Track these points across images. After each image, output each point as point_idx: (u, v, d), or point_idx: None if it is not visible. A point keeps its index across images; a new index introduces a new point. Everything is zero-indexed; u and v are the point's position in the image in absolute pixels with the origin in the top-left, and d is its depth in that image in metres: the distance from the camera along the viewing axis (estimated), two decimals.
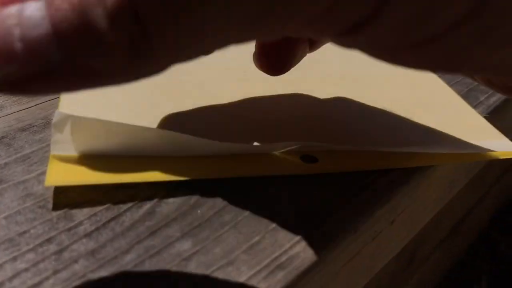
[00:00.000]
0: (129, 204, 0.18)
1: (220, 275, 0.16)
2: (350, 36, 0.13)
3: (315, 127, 0.24)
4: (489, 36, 0.13)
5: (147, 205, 0.18)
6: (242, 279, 0.16)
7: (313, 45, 0.23)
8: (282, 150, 0.21)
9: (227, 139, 0.21)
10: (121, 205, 0.18)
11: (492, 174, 0.82)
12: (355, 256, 0.20)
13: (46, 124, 0.22)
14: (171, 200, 0.19)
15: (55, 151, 0.19)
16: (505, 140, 0.24)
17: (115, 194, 0.19)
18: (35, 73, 0.11)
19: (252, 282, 0.16)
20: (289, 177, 0.20)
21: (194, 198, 0.19)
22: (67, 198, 0.18)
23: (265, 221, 0.18)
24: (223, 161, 0.20)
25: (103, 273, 0.16)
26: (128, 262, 0.16)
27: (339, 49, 0.15)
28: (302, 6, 0.12)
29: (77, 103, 0.22)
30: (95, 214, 0.18)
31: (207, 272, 0.16)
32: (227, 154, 0.21)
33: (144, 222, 0.18)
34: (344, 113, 0.25)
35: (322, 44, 0.23)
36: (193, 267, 0.16)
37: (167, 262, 0.16)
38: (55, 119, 0.18)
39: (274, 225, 0.18)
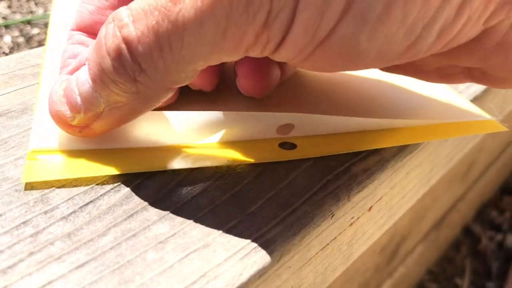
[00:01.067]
0: (107, 188, 0.18)
1: (196, 257, 0.16)
2: (275, 53, 0.17)
3: (294, 99, 0.24)
4: (367, 19, 0.15)
5: (125, 189, 0.18)
6: (218, 261, 0.16)
7: (283, 72, 0.25)
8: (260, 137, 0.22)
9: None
10: (98, 189, 0.18)
11: (476, 169, 0.83)
12: (332, 241, 0.20)
13: (23, 109, 0.22)
14: (149, 184, 0.19)
15: (34, 145, 0.19)
16: (489, 117, 0.24)
17: (93, 178, 0.19)
18: (94, 116, 0.18)
19: (228, 264, 0.16)
20: (267, 163, 0.21)
21: (172, 183, 0.19)
22: (44, 182, 0.18)
23: (242, 206, 0.18)
24: (200, 151, 0.21)
25: (79, 255, 0.16)
26: (104, 245, 0.16)
27: None
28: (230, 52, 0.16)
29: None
30: (72, 198, 0.18)
31: (183, 254, 0.16)
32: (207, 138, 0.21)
33: (121, 205, 0.18)
34: (323, 86, 0.25)
35: (290, 72, 0.26)
36: (169, 250, 0.16)
37: (143, 244, 0.16)
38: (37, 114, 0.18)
39: (251, 209, 0.18)
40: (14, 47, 0.62)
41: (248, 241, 0.17)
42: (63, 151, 0.19)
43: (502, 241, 1.01)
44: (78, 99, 0.18)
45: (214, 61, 0.17)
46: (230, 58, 0.17)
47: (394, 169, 0.22)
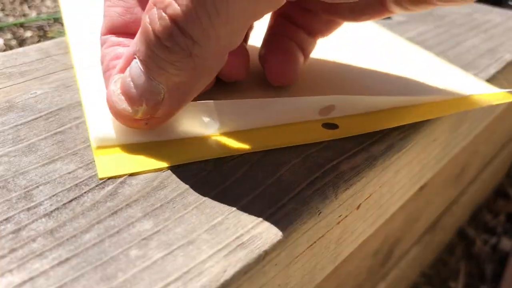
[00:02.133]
0: (91, 185, 0.18)
1: (180, 253, 0.16)
2: None
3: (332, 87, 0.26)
4: None
5: (110, 187, 0.18)
6: (202, 258, 0.16)
7: (306, 58, 0.26)
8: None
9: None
10: (83, 186, 0.18)
11: (469, 172, 0.83)
12: (319, 239, 0.20)
13: (9, 107, 0.22)
14: (134, 181, 0.19)
15: (98, 143, 0.19)
16: (495, 88, 0.27)
17: (76, 175, 0.19)
18: (156, 105, 0.18)
19: (212, 260, 0.16)
20: (253, 159, 0.20)
21: (157, 180, 0.19)
22: (26, 179, 0.18)
23: (228, 203, 0.18)
24: (249, 134, 0.22)
25: (61, 251, 0.16)
26: (87, 241, 0.16)
27: None
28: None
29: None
30: (56, 195, 0.18)
31: (167, 251, 0.16)
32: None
33: (105, 203, 0.18)
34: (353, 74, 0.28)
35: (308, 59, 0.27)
36: (153, 246, 0.16)
37: (127, 241, 0.16)
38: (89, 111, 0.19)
39: (237, 206, 0.18)
40: (7, 50, 0.62)
41: (234, 237, 0.17)
42: (127, 146, 0.20)
43: (496, 244, 1.01)
44: (137, 93, 0.18)
45: (260, 14, 0.17)
46: (274, 6, 0.17)
47: (382, 167, 0.22)
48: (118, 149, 0.20)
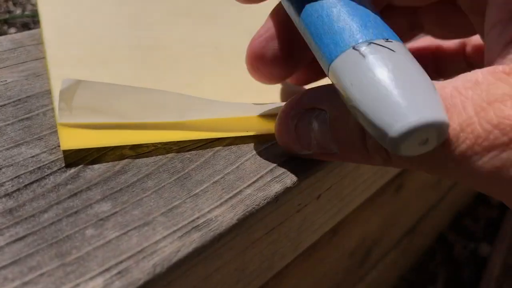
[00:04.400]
0: (54, 169, 0.19)
1: (135, 234, 0.16)
2: None
3: None
4: None
5: (72, 170, 0.19)
6: (156, 238, 0.16)
7: None
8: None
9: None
10: (45, 169, 0.19)
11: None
12: (278, 226, 0.21)
13: None
14: (96, 166, 0.19)
15: (63, 119, 0.19)
16: None
17: (40, 159, 0.19)
18: (323, 153, 0.19)
19: (167, 241, 0.16)
20: (215, 149, 0.21)
21: (119, 166, 0.19)
22: None
23: (187, 188, 0.19)
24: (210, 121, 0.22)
25: (19, 229, 0.16)
26: (45, 220, 0.16)
27: None
28: None
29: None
30: (18, 177, 0.18)
31: (122, 231, 0.17)
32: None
33: (66, 185, 0.18)
34: None
35: None
36: (109, 227, 0.17)
37: (84, 221, 0.17)
38: (62, 86, 0.18)
39: (195, 192, 0.19)
40: None
41: (189, 220, 0.17)
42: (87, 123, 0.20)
43: (476, 249, 1.02)
44: (313, 142, 0.19)
45: None
46: None
47: None
48: (82, 126, 0.20)
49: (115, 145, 0.20)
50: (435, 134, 0.15)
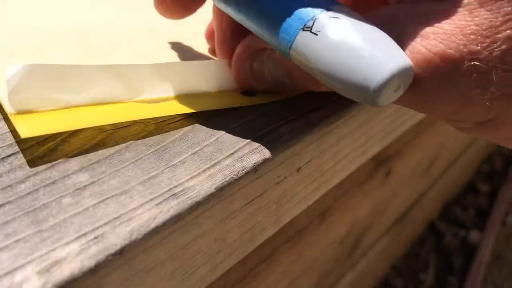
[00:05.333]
0: (31, 143, 0.19)
1: (112, 202, 0.17)
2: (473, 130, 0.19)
3: None
4: None
5: (50, 143, 0.19)
6: (133, 205, 0.17)
7: None
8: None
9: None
10: (23, 143, 0.19)
11: (438, 166, 0.85)
12: (258, 197, 0.21)
13: None
14: (74, 139, 0.19)
15: (13, 107, 0.18)
16: None
17: (18, 134, 0.19)
18: (276, 86, 0.23)
19: (144, 208, 0.17)
20: (194, 123, 0.21)
21: (98, 138, 0.19)
22: None
23: (166, 159, 0.19)
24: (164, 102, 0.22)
25: None
26: (22, 190, 0.17)
27: None
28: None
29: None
30: None
31: (99, 199, 0.17)
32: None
33: (43, 157, 0.18)
34: None
35: None
36: (86, 195, 0.17)
37: (61, 191, 0.17)
38: (8, 74, 0.18)
39: (174, 162, 0.19)
40: None
41: (167, 189, 0.17)
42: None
43: (465, 237, 1.03)
44: (268, 78, 0.22)
45: None
46: None
47: (321, 133, 0.23)
48: (38, 111, 0.19)
49: (74, 128, 0.19)
50: (406, 78, 0.16)
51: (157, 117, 0.21)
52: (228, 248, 0.21)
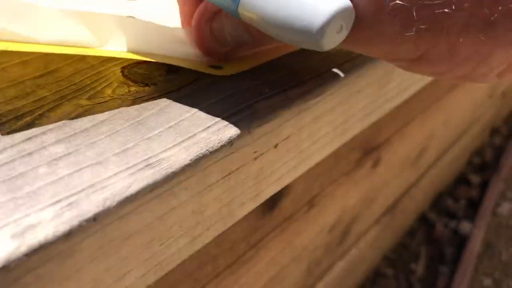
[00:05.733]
0: (9, 117, 0.19)
1: (87, 171, 0.17)
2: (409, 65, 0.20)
3: None
4: None
5: (27, 118, 0.19)
6: (108, 174, 0.17)
7: None
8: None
9: None
10: (2, 118, 0.19)
11: (428, 156, 0.85)
12: (235, 172, 0.21)
13: None
14: (52, 114, 0.19)
15: None
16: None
17: None
18: (238, 46, 0.24)
19: (118, 177, 0.17)
20: (172, 98, 0.21)
21: (75, 113, 0.20)
22: None
23: (141, 133, 0.19)
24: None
25: None
26: None
27: None
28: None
29: None
30: None
31: (75, 169, 0.17)
32: None
33: (20, 131, 0.18)
34: None
35: None
36: (62, 165, 0.17)
37: (37, 161, 0.17)
38: None
39: (149, 135, 0.19)
40: None
41: (142, 159, 0.18)
42: None
43: (456, 227, 1.04)
44: (228, 39, 0.23)
45: None
46: None
47: (299, 109, 0.23)
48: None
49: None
50: (347, 19, 0.18)
51: (134, 93, 0.21)
52: (206, 221, 0.21)
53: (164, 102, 0.21)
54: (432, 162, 0.91)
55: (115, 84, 0.22)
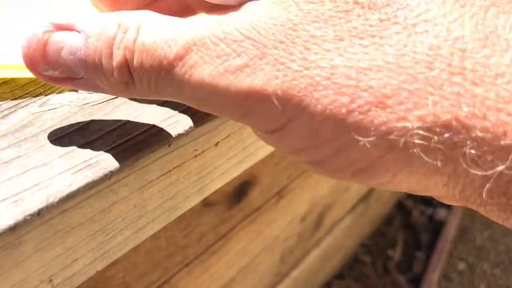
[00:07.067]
0: None
1: (34, 173, 0.19)
2: (267, 136, 0.19)
3: None
4: None
5: None
6: (52, 175, 0.19)
7: None
8: None
9: None
10: None
11: None
12: (176, 169, 0.23)
13: None
14: (5, 121, 0.22)
15: None
16: None
17: None
18: (67, 77, 0.20)
19: (61, 177, 0.19)
20: (116, 103, 0.24)
21: (27, 120, 0.22)
22: None
23: (85, 136, 0.21)
24: None
25: None
26: None
27: None
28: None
29: None
30: None
31: (23, 170, 0.19)
32: None
33: None
34: None
35: None
36: (11, 167, 0.19)
37: None
38: None
39: (92, 138, 0.21)
40: None
41: (84, 160, 0.20)
42: None
43: (432, 214, 1.07)
44: (61, 62, 0.19)
45: None
46: None
47: None
48: None
49: None
50: None
51: (82, 100, 0.24)
52: (149, 214, 0.23)
53: (110, 106, 0.23)
54: None
55: (65, 91, 0.24)
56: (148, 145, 0.22)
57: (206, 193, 0.27)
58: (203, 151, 0.25)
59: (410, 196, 1.09)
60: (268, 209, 0.57)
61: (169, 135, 0.22)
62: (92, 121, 0.22)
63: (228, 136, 0.26)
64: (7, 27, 0.27)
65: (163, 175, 0.23)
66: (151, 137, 0.22)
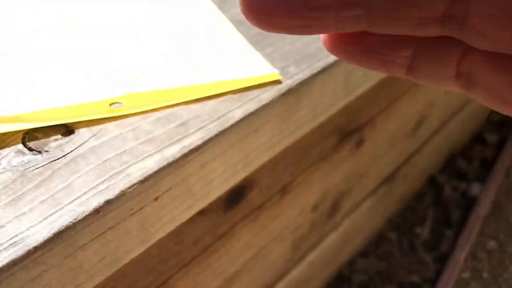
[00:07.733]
0: None
1: None
2: None
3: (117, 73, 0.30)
4: None
5: None
6: None
7: None
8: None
9: None
10: None
11: (429, 124, 0.85)
12: (110, 229, 0.25)
13: None
14: None
15: None
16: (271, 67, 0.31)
17: None
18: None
19: None
20: (53, 166, 0.25)
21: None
22: None
23: (17, 208, 0.23)
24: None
25: None
26: None
27: None
28: None
29: None
30: None
31: None
32: None
33: None
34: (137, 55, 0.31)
35: None
36: None
37: None
38: None
39: (23, 211, 0.23)
40: None
41: (9, 238, 0.22)
42: None
43: (466, 190, 1.04)
44: None
45: None
46: None
47: (178, 165, 0.26)
48: None
49: None
50: None
51: (26, 163, 0.25)
52: (88, 271, 0.25)
53: (48, 171, 0.25)
54: (436, 129, 0.91)
55: (11, 155, 0.25)
56: (74, 215, 0.23)
57: (151, 242, 0.28)
58: (141, 208, 0.26)
59: (444, 170, 1.06)
60: (271, 206, 0.58)
61: (97, 202, 0.24)
62: (28, 190, 0.24)
63: (169, 189, 0.27)
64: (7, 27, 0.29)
65: (96, 237, 0.24)
66: (79, 207, 0.23)
